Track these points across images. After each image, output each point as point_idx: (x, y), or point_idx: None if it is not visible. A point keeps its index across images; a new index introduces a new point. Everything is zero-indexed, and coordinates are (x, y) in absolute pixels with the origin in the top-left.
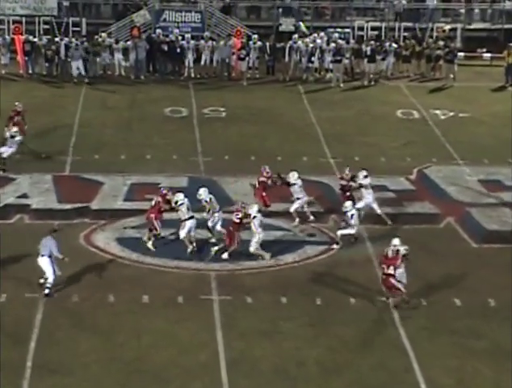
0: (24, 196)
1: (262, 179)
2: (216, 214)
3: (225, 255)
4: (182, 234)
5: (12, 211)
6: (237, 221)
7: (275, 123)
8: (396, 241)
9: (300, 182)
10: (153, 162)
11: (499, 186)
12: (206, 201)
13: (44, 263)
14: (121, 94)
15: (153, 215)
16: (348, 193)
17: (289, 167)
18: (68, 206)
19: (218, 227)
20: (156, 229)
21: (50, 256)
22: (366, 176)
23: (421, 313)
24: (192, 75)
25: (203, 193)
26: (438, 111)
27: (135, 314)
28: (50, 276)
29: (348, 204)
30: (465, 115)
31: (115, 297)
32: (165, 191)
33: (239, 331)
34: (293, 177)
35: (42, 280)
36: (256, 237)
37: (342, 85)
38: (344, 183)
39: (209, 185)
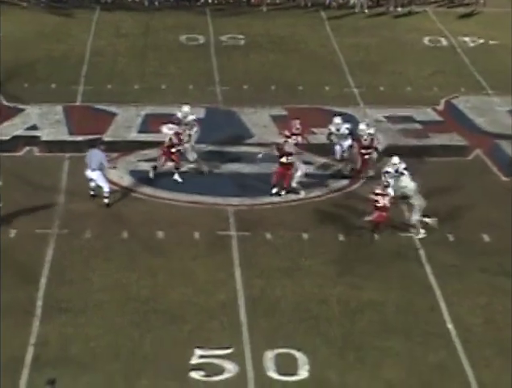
0: (34, 127)
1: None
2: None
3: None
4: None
5: (21, 143)
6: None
7: (296, 51)
8: (395, 159)
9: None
10: (169, 92)
11: None
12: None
13: (96, 176)
14: (135, 20)
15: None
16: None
17: (311, 97)
18: (79, 138)
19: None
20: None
21: (100, 169)
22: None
23: (448, 249)
24: (209, 1)
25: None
26: (467, 39)
27: (149, 251)
28: (105, 187)
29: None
30: (495, 43)
31: (129, 234)
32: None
33: (258, 268)
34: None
35: (92, 193)
36: (299, 171)
37: (366, 11)
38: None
39: (227, 116)
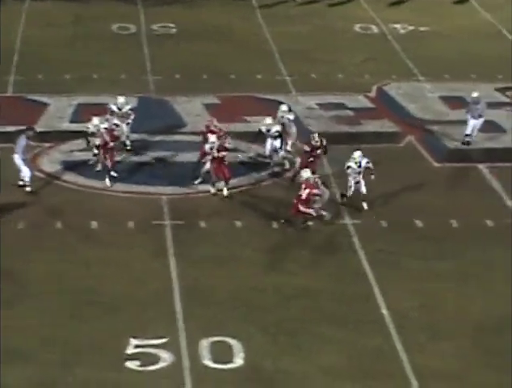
0: None
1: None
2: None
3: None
4: None
5: None
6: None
7: (228, 40)
8: (357, 153)
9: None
10: (101, 81)
11: (461, 102)
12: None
13: (19, 162)
14: (65, 10)
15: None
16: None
17: (243, 85)
18: (11, 128)
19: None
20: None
21: (24, 156)
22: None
23: (381, 236)
24: None
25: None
26: (397, 26)
27: (84, 242)
28: (27, 174)
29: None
30: (426, 30)
31: (63, 224)
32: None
33: (193, 257)
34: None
35: (21, 183)
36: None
37: None
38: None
39: (160, 105)
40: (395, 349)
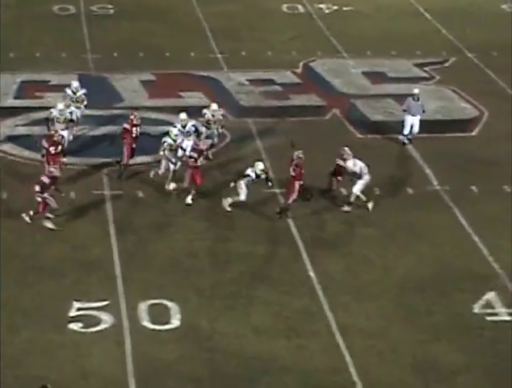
0: None
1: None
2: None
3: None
4: None
5: None
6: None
7: (163, 19)
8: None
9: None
10: (43, 60)
11: (383, 78)
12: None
13: None
14: None
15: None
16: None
17: (177, 63)
18: None
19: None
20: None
21: None
22: None
23: (309, 202)
24: None
25: None
26: (322, 5)
27: (28, 211)
28: None
29: None
30: (349, 9)
31: (9, 195)
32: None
33: (131, 225)
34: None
35: None
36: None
37: None
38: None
39: (99, 82)
40: (322, 309)
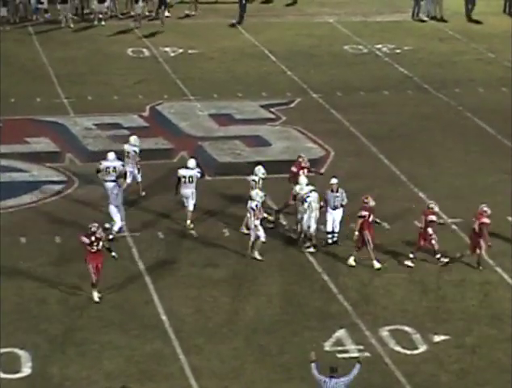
0: None
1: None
2: None
3: None
4: None
5: None
6: None
7: (7, 65)
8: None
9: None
10: None
11: (229, 119)
12: None
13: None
14: None
15: None
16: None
17: (23, 108)
18: None
19: None
20: None
21: None
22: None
23: (159, 246)
24: None
25: None
26: (167, 49)
27: None
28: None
29: None
30: (194, 52)
31: None
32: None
33: None
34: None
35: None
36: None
37: (72, 25)
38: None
39: None
40: (174, 352)
